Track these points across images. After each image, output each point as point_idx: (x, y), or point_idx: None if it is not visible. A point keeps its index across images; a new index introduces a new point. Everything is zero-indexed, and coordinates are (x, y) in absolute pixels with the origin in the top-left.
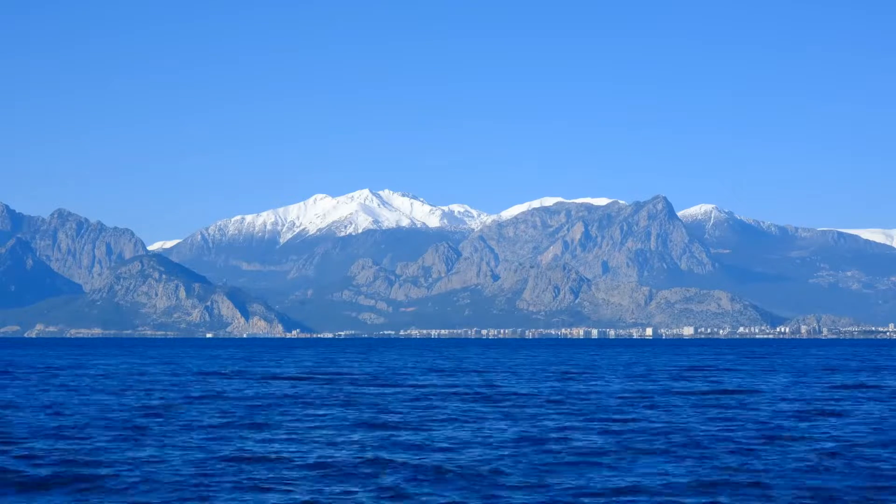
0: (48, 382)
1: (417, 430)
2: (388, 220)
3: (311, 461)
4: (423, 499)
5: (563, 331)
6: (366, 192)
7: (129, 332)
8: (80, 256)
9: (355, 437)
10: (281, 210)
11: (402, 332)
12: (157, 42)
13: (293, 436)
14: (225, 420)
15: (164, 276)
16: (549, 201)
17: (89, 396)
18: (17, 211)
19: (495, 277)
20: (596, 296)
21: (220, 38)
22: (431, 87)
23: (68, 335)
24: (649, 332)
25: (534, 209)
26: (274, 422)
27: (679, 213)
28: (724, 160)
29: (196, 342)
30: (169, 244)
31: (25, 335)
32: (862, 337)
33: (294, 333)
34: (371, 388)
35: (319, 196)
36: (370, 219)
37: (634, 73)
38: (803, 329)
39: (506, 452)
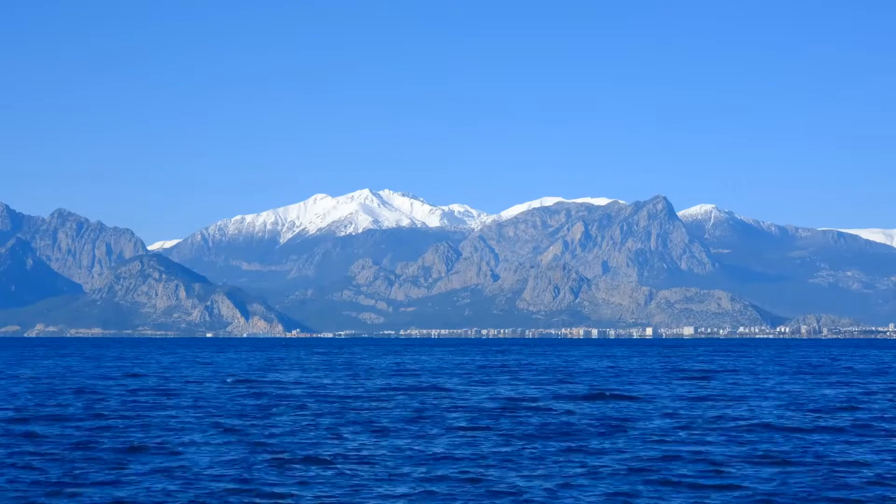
0: None
1: None
2: (388, 219)
3: None
4: None
5: (563, 331)
6: (366, 192)
7: (129, 331)
8: (80, 256)
9: None
10: (281, 210)
11: (402, 332)
12: (157, 42)
13: None
14: None
15: (164, 275)
16: (549, 201)
17: None
18: (17, 211)
19: (495, 277)
20: (596, 296)
21: (220, 38)
22: (432, 86)
23: (68, 335)
24: (649, 331)
25: (534, 209)
26: None
27: (679, 213)
28: (724, 160)
29: (182, 342)
30: (169, 244)
31: (25, 335)
32: (862, 337)
33: (294, 333)
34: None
35: (319, 196)
36: (370, 219)
37: (634, 72)
38: (803, 329)
39: None
